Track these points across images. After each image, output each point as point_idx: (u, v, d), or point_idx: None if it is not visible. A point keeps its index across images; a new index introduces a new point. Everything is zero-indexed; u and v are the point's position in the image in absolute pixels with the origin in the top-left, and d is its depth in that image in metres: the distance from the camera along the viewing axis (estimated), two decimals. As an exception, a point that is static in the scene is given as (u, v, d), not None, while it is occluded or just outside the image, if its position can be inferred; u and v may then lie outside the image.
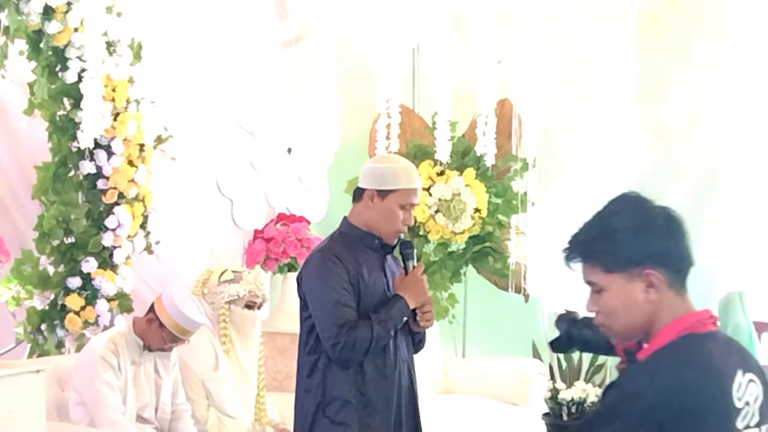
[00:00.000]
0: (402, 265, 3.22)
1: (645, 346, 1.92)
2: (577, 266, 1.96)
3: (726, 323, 6.18)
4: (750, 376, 1.85)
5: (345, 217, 3.24)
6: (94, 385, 3.70)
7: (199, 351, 4.12)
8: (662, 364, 1.81)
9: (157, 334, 3.82)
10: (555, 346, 2.52)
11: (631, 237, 1.86)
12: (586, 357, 6.07)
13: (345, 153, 6.60)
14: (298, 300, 3.23)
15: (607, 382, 5.97)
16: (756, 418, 1.84)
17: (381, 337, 3.04)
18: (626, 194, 1.97)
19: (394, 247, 3.21)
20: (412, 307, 3.13)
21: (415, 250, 3.27)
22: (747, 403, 1.82)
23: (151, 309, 3.86)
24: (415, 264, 3.21)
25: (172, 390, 3.97)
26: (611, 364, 6.08)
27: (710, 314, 1.90)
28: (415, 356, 3.33)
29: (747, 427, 1.82)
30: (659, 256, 1.86)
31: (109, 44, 4.44)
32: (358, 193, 3.18)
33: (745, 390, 1.83)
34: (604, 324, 1.94)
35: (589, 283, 1.94)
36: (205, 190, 5.69)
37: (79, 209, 4.48)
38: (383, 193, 3.12)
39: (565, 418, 5.92)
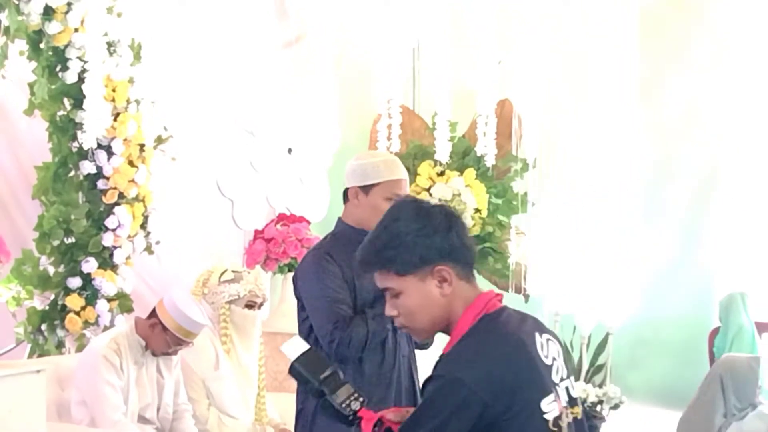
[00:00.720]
0: None
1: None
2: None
3: (728, 324, 6.18)
4: (546, 336, 2.03)
5: (339, 218, 3.24)
6: (96, 385, 3.70)
7: (200, 351, 4.12)
8: (472, 348, 1.94)
9: (161, 339, 3.81)
10: None
11: (417, 238, 1.97)
12: (586, 357, 6.07)
13: (345, 153, 6.59)
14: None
15: (608, 382, 6.00)
16: (564, 371, 2.02)
17: (377, 332, 3.04)
18: (404, 200, 2.10)
19: None
20: None
21: None
22: (554, 359, 2.00)
23: (153, 313, 3.84)
24: None
25: (174, 389, 3.97)
26: (612, 363, 6.08)
27: (494, 293, 2.06)
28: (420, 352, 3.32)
29: (562, 379, 2.00)
30: (446, 252, 1.99)
31: (109, 44, 4.44)
32: (345, 193, 3.19)
33: (547, 348, 2.00)
34: (405, 325, 2.05)
35: (385, 289, 2.03)
36: (206, 190, 5.69)
37: (79, 209, 4.48)
38: (366, 189, 3.12)
39: (565, 418, 5.91)
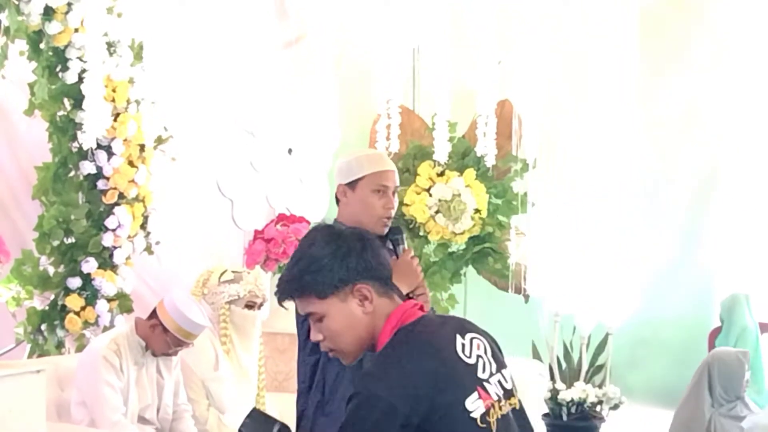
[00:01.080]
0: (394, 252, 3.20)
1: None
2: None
3: (730, 325, 6.18)
4: (470, 335, 2.05)
5: (335, 219, 3.23)
6: (96, 385, 3.70)
7: (199, 351, 4.12)
8: (386, 362, 1.98)
9: (162, 339, 3.81)
10: None
11: (333, 260, 2.03)
12: (586, 357, 6.07)
13: (345, 153, 6.59)
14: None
15: (608, 382, 6.00)
16: (494, 366, 2.06)
17: None
18: (316, 226, 2.16)
19: (386, 236, 3.18)
20: (405, 291, 3.11)
21: (405, 235, 3.24)
22: (479, 357, 2.03)
23: (154, 314, 3.84)
24: (405, 248, 3.18)
25: (174, 390, 3.97)
26: (611, 363, 6.09)
27: (414, 303, 2.11)
28: None
29: (491, 374, 2.03)
30: (363, 271, 2.05)
31: (109, 45, 4.44)
32: (336, 194, 3.19)
33: (470, 348, 2.02)
34: (332, 348, 2.09)
35: (308, 315, 2.07)
36: (206, 190, 5.69)
37: (79, 209, 4.48)
38: (352, 185, 3.11)
39: (565, 418, 5.92)
